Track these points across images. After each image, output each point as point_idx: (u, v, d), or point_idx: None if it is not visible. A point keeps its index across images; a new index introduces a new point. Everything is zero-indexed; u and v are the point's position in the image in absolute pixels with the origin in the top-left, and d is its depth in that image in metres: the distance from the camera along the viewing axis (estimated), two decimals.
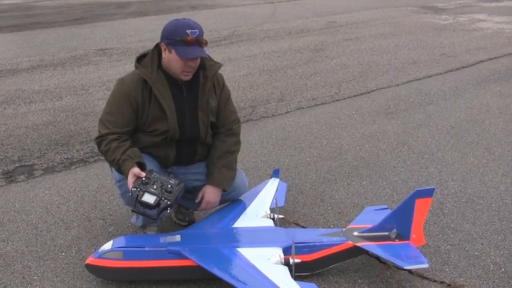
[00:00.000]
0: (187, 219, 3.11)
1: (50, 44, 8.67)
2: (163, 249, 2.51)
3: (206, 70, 2.74)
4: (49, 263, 2.79)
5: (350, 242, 2.63)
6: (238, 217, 2.85)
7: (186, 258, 2.48)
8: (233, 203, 2.98)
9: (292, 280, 2.39)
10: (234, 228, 2.78)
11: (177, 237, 2.60)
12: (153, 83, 2.63)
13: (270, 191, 3.14)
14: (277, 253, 2.54)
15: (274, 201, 3.04)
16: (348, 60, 7.35)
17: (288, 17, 11.28)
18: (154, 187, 2.44)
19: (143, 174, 2.48)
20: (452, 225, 3.17)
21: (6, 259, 2.83)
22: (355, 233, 2.68)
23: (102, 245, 2.61)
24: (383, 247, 2.60)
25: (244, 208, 2.94)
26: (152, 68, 2.65)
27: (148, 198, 2.41)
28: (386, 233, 2.63)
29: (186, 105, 2.72)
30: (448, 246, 2.94)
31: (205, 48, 2.62)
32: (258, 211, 2.93)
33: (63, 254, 2.88)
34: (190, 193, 2.89)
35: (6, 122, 4.97)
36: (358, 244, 2.62)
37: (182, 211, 3.14)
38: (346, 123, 4.94)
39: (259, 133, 4.70)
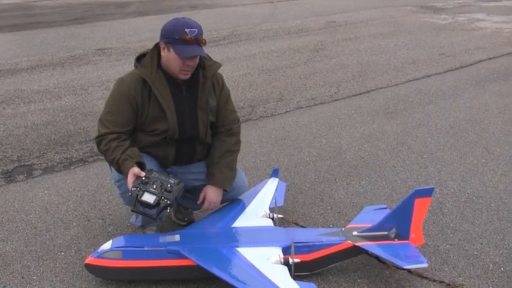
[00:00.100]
0: (186, 218, 3.11)
1: (49, 43, 8.67)
2: (163, 248, 2.51)
3: (206, 70, 2.74)
4: (48, 263, 2.79)
5: (349, 241, 2.63)
6: (238, 217, 2.85)
7: (185, 257, 2.48)
8: (232, 202, 2.98)
9: (292, 280, 2.39)
10: (234, 227, 2.78)
11: (177, 237, 2.60)
12: (152, 82, 2.63)
13: (269, 190, 3.14)
14: (276, 253, 2.54)
15: (274, 200, 3.04)
16: (347, 60, 7.35)
17: (287, 17, 11.28)
18: (154, 187, 2.44)
19: (143, 173, 2.48)
20: (451, 224, 3.17)
21: (6, 259, 2.83)
22: (355, 233, 2.68)
23: (102, 244, 2.61)
24: (382, 247, 2.61)
25: (243, 208, 2.94)
26: (152, 68, 2.65)
27: (148, 198, 2.41)
28: (386, 233, 2.64)
29: (185, 104, 2.72)
30: (447, 246, 2.95)
31: (204, 48, 2.62)
32: (257, 211, 2.93)
33: (62, 253, 2.88)
34: (190, 193, 2.89)
35: (6, 121, 4.97)
36: (358, 244, 2.62)
37: (181, 211, 3.14)
38: (345, 123, 4.94)
39: (259, 133, 4.70)
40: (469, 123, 4.92)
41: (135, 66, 2.69)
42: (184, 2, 14.04)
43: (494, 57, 7.51)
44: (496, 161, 4.10)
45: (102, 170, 3.87)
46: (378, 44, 8.41)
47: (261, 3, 13.74)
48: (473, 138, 4.57)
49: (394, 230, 2.63)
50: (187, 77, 2.66)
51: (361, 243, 2.62)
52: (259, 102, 5.55)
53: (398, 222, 2.62)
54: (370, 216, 2.85)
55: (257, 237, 2.69)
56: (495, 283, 2.64)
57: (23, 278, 2.67)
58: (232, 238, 2.69)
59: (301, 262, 2.55)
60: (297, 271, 2.53)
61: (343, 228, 2.77)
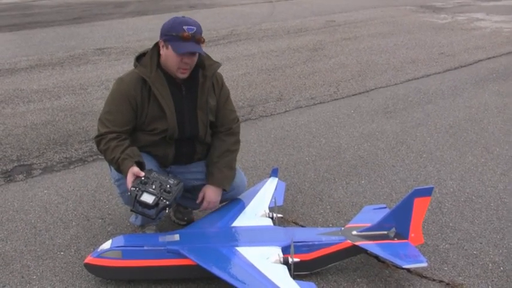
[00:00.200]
0: (186, 218, 3.11)
1: (49, 43, 8.66)
2: (162, 248, 2.51)
3: (205, 69, 2.74)
4: (48, 262, 2.79)
5: (349, 241, 2.63)
6: (237, 216, 2.85)
7: (185, 257, 2.48)
8: (232, 202, 2.98)
9: (291, 279, 2.39)
10: (233, 227, 2.78)
11: (176, 237, 2.60)
12: (152, 82, 2.63)
13: (268, 190, 3.14)
14: (276, 252, 2.54)
15: (273, 200, 3.04)
16: (346, 60, 7.35)
17: (286, 16, 11.28)
18: (153, 187, 2.44)
19: (142, 173, 2.48)
20: (451, 224, 3.17)
21: (5, 258, 2.83)
22: (354, 232, 2.68)
23: (101, 244, 2.61)
24: (382, 246, 2.61)
25: (243, 207, 2.94)
26: (151, 67, 2.65)
27: (147, 198, 2.41)
28: (385, 232, 2.64)
29: (185, 104, 2.72)
30: (446, 245, 2.95)
31: (204, 47, 2.62)
32: (257, 210, 2.93)
33: (62, 253, 2.87)
34: (190, 192, 2.89)
35: (5, 121, 4.97)
36: (357, 243, 2.62)
37: (181, 210, 3.14)
38: (344, 123, 4.94)
39: (258, 132, 4.70)
40: (468, 123, 4.92)
41: (135, 65, 2.69)
42: (183, 1, 14.04)
43: (494, 57, 7.52)
44: (495, 161, 4.10)
45: (102, 170, 3.87)
46: (377, 43, 8.41)
47: (260, 2, 13.74)
48: (473, 137, 4.57)
49: (393, 229, 2.63)
50: (185, 75, 2.65)
51: (361, 243, 2.62)
52: (259, 101, 5.55)
53: (397, 222, 2.62)
54: (369, 216, 2.85)
55: (256, 236, 2.69)
56: (494, 282, 2.64)
57: (22, 277, 2.67)
58: (232, 238, 2.69)
59: (301, 261, 2.56)
60: (297, 270, 2.53)
61: (343, 228, 2.77)
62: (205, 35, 2.66)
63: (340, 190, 3.61)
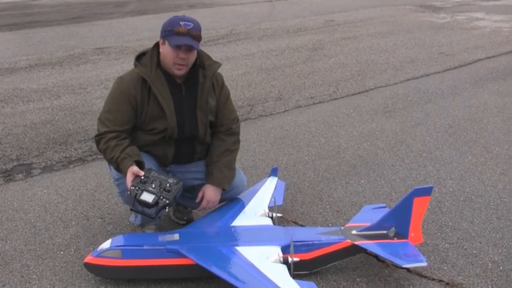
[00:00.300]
0: (185, 217, 3.11)
1: (48, 42, 8.66)
2: (162, 247, 2.51)
3: (205, 69, 2.74)
4: (48, 262, 2.79)
5: (348, 240, 2.63)
6: (237, 216, 2.85)
7: (184, 256, 2.48)
8: (232, 201, 2.98)
9: (291, 279, 2.39)
10: (233, 226, 2.77)
11: (176, 236, 2.60)
12: (152, 81, 2.63)
13: (268, 189, 3.14)
14: (275, 252, 2.54)
15: (273, 199, 3.03)
16: (346, 59, 7.35)
17: (286, 16, 11.28)
18: (153, 186, 2.44)
19: (142, 172, 2.48)
20: (450, 223, 3.18)
21: (5, 258, 2.83)
22: (354, 232, 2.68)
23: (101, 243, 2.61)
24: (381, 245, 2.61)
25: (242, 207, 2.94)
26: (151, 67, 2.65)
27: (147, 197, 2.41)
28: (385, 232, 2.64)
29: (185, 104, 2.72)
30: (446, 245, 2.95)
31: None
32: (256, 210, 2.93)
33: (61, 252, 2.87)
34: (189, 192, 2.89)
35: (5, 120, 4.97)
36: (357, 243, 2.62)
37: (181, 210, 3.14)
38: (344, 122, 4.94)
39: (258, 132, 4.70)
40: (468, 122, 4.92)
41: (135, 65, 2.69)
42: (182, 1, 14.03)
43: (493, 56, 7.52)
44: (495, 160, 4.10)
45: (101, 169, 3.87)
46: (377, 43, 8.41)
47: (260, 2, 13.74)
48: (472, 137, 4.58)
49: (393, 228, 2.63)
50: (181, 72, 2.64)
51: (360, 242, 2.62)
52: (258, 101, 5.55)
53: (397, 221, 2.62)
54: (369, 215, 2.85)
55: (256, 236, 2.69)
56: (494, 282, 2.64)
57: (22, 277, 2.67)
58: (232, 237, 2.69)
59: (301, 261, 2.56)
60: (296, 270, 2.53)
61: (342, 227, 2.77)
62: (204, 34, 2.66)
63: (339, 189, 3.61)
